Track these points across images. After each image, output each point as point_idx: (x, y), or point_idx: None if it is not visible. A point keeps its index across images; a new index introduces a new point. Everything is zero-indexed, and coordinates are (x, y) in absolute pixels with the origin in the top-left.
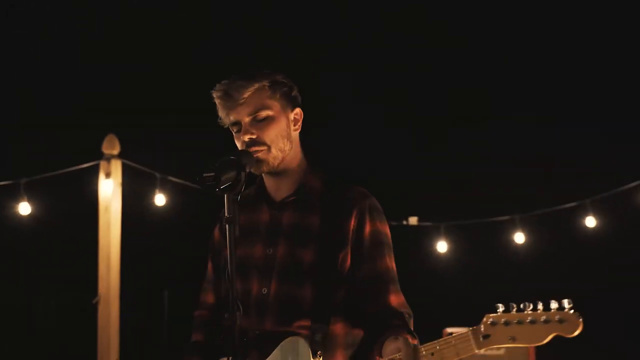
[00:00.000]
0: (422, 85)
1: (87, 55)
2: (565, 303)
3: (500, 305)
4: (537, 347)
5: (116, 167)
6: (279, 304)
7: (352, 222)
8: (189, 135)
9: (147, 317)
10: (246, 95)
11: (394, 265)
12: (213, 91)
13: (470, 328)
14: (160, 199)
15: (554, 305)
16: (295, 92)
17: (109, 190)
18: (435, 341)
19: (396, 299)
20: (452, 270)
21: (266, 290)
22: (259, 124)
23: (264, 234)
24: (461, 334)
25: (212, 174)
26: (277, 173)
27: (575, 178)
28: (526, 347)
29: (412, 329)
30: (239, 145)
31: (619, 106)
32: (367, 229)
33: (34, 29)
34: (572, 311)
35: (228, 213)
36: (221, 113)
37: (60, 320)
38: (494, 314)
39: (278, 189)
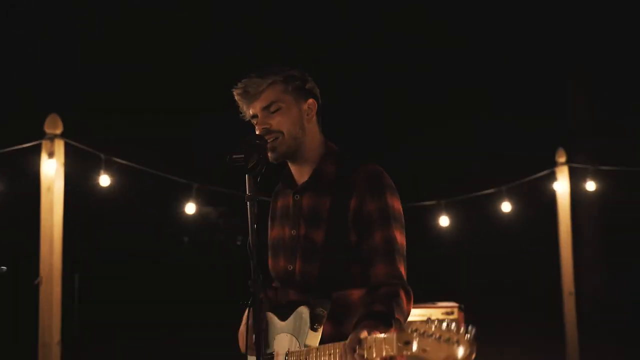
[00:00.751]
0: (421, 85)
1: (87, 55)
2: (470, 329)
3: (431, 318)
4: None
5: (59, 146)
6: (302, 280)
7: (353, 202)
8: (135, 118)
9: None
10: (260, 90)
11: (395, 234)
12: (234, 89)
13: (397, 332)
14: (104, 180)
15: (462, 329)
16: (309, 85)
17: (52, 170)
18: (373, 338)
19: (384, 269)
20: None
21: (291, 267)
22: (271, 115)
23: (291, 217)
24: (389, 336)
25: (241, 155)
26: (297, 160)
27: (494, 167)
28: None
29: (403, 304)
30: None
31: (532, 104)
32: (367, 206)
33: (34, 29)
34: (468, 337)
35: (249, 191)
36: (242, 108)
37: (1, 301)
38: (419, 323)
39: (300, 175)
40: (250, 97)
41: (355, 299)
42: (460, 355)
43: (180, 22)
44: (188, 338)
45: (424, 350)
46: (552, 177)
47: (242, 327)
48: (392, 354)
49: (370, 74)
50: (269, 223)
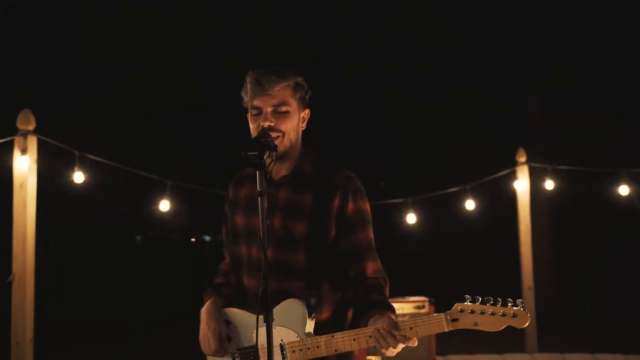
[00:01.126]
0: (422, 85)
1: (87, 55)
2: (519, 302)
3: (468, 296)
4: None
5: (32, 143)
6: (276, 267)
7: (337, 201)
8: (108, 114)
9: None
10: (275, 89)
11: (372, 235)
12: (247, 75)
13: (444, 312)
14: (78, 177)
15: (510, 302)
16: (309, 95)
17: (25, 166)
18: (415, 319)
19: (372, 266)
20: None
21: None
22: (278, 115)
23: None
24: (436, 315)
25: (256, 152)
26: (281, 158)
27: (458, 166)
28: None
29: (387, 295)
30: (253, 126)
31: (495, 106)
32: (349, 207)
33: (34, 29)
34: (523, 309)
35: (260, 187)
36: (246, 95)
37: None
38: (463, 303)
39: (278, 170)
40: (262, 90)
41: (326, 294)
42: (519, 326)
43: (180, 22)
44: (154, 338)
45: (475, 324)
46: (512, 176)
47: (204, 330)
48: (438, 331)
49: (370, 74)
50: (228, 210)
